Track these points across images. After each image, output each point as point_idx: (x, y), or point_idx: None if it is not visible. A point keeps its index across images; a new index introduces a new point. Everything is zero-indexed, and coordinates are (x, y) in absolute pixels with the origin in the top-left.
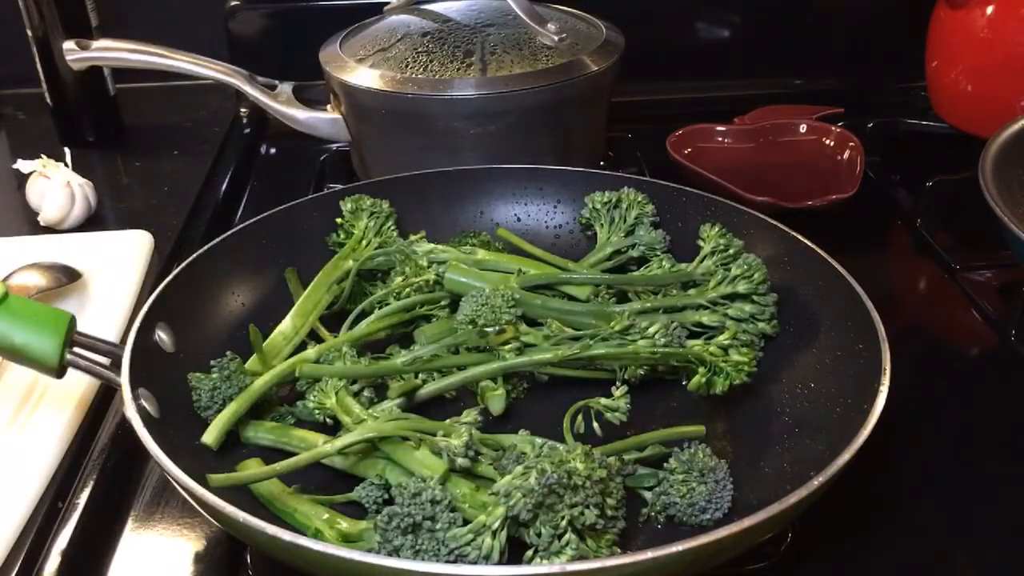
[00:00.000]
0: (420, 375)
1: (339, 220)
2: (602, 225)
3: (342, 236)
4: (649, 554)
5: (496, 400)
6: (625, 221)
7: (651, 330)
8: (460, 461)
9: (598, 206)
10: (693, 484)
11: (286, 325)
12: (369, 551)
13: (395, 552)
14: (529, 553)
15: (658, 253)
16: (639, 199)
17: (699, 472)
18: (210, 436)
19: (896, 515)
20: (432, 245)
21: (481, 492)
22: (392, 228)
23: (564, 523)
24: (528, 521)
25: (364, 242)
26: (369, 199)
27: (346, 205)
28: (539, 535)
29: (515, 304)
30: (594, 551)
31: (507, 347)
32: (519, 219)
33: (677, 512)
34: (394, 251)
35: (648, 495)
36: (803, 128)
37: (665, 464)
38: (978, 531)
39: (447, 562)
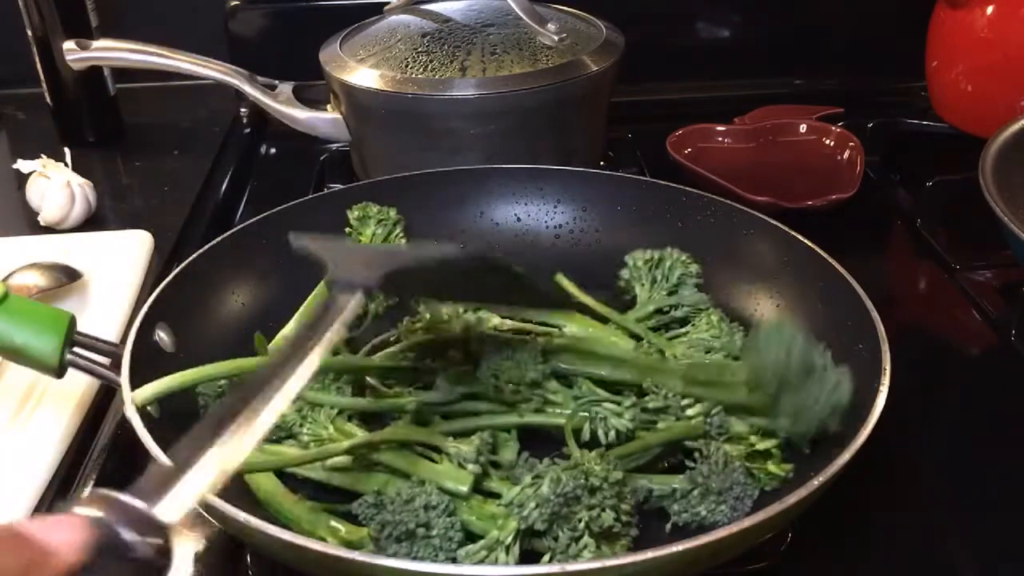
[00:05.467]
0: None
1: (347, 230)
2: (643, 285)
3: None
4: (649, 554)
5: (509, 449)
6: (668, 280)
7: (690, 411)
8: (471, 467)
9: (639, 264)
10: (713, 503)
11: (289, 330)
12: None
13: None
14: (546, 557)
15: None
16: (683, 259)
17: (717, 492)
18: None
19: (896, 515)
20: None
21: (488, 504)
22: (400, 236)
23: (582, 525)
24: (543, 532)
25: None
26: (375, 206)
27: (353, 213)
28: (556, 539)
29: (543, 361)
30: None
31: (527, 405)
32: (519, 219)
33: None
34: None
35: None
36: (803, 128)
37: (677, 485)
38: (979, 531)
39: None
